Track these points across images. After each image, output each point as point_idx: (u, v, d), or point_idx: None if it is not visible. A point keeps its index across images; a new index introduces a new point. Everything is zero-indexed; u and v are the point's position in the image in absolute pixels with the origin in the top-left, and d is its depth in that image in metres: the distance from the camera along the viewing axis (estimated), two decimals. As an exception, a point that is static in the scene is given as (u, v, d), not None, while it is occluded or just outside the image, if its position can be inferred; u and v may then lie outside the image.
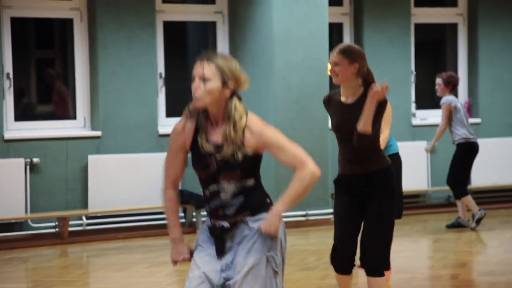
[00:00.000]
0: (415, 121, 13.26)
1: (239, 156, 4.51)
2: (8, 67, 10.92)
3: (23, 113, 11.54)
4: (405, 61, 13.13)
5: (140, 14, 11.38)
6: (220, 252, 4.53)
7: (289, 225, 11.42)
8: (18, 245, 10.60)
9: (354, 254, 6.19)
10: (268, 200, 4.64)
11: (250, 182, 4.60)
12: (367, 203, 6.15)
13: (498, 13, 13.65)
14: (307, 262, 9.22)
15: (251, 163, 4.57)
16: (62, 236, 10.78)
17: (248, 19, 11.79)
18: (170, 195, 4.68)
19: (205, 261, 4.52)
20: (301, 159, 4.54)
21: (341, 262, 6.24)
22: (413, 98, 13.27)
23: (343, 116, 6.18)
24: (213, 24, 12.14)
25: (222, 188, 4.56)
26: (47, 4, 11.33)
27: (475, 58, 13.61)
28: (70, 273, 9.23)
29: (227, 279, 4.47)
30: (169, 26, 11.91)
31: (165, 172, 4.69)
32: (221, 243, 4.55)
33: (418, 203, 13.26)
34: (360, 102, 6.12)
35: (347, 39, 12.93)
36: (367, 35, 12.83)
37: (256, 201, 4.61)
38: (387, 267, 6.29)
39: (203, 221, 11.45)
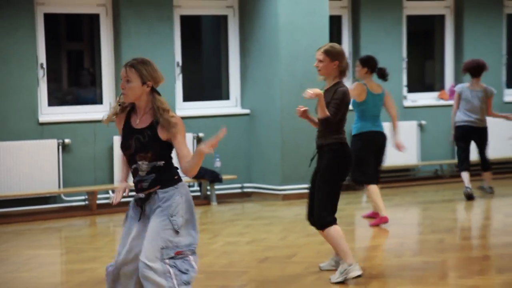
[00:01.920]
0: (407, 103, 13.27)
1: (152, 140, 5.02)
2: (42, 58, 10.95)
3: (59, 99, 11.59)
4: (398, 49, 13.13)
5: (159, 9, 11.40)
6: (140, 218, 5.08)
7: (293, 197, 11.49)
8: (52, 217, 10.67)
9: None
10: (176, 177, 5.10)
11: (161, 163, 5.06)
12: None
13: (482, 5, 13.63)
14: (309, 229, 9.22)
15: (163, 148, 5.06)
16: (91, 208, 10.86)
17: (256, 12, 11.80)
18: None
19: (124, 236, 5.13)
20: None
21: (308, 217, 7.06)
22: (405, 82, 13.28)
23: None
24: (224, 18, 12.15)
25: (140, 166, 5.07)
26: (76, 1, 11.35)
27: (460, 46, 13.59)
28: (98, 241, 9.33)
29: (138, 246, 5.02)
30: (185, 20, 11.93)
31: None
32: (141, 210, 5.09)
33: (409, 176, 13.30)
34: (330, 90, 6.86)
35: (346, 30, 12.93)
36: (363, 26, 12.83)
37: (166, 178, 5.07)
38: (331, 221, 6.80)
39: (217, 194, 11.53)
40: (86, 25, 12.44)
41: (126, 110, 5.17)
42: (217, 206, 11.32)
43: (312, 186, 6.97)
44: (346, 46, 12.89)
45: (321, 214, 6.79)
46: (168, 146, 5.05)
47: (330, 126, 6.81)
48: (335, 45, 7.03)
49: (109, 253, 8.62)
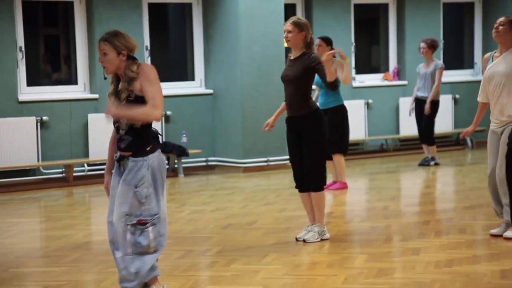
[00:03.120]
0: (355, 84, 13.30)
1: (131, 97, 4.88)
2: (21, 42, 10.81)
3: (36, 80, 11.47)
4: (347, 35, 13.14)
5: (129, -2, 11.34)
6: (120, 174, 5.00)
7: (254, 169, 11.51)
8: (32, 188, 10.58)
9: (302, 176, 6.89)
10: (149, 148, 4.98)
11: (137, 125, 4.92)
12: (303, 139, 6.83)
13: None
14: (268, 198, 9.29)
15: (138, 103, 4.87)
16: (68, 180, 10.78)
17: (218, 1, 11.72)
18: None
19: (113, 185, 5.07)
20: (156, 103, 4.85)
21: (295, 181, 6.97)
22: (353, 65, 13.31)
23: (288, 67, 6.92)
24: (189, 5, 12.04)
25: (120, 124, 4.96)
26: (52, -11, 11.26)
27: (402, 32, 13.64)
28: (74, 210, 9.26)
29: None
30: (153, 7, 11.81)
31: None
32: (121, 168, 5.02)
33: (357, 150, 13.37)
34: (299, 59, 6.83)
35: (300, 16, 12.89)
36: (315, 14, 12.81)
37: (139, 146, 4.95)
38: (323, 185, 6.95)
39: (184, 167, 11.50)
40: (61, 12, 12.28)
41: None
42: (184, 178, 11.30)
43: (295, 156, 6.90)
44: (300, 32, 12.85)
45: (317, 178, 6.86)
46: (143, 101, 4.87)
47: (306, 95, 6.79)
48: (301, 17, 7.05)
49: (85, 220, 8.59)
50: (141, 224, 4.89)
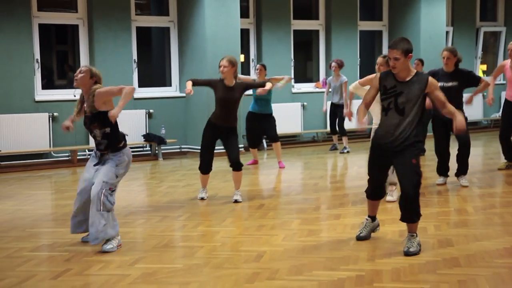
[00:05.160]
0: (294, 90, 13.35)
1: (94, 112, 5.18)
2: (37, 55, 10.66)
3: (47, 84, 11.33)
4: (288, 53, 13.16)
5: (121, 22, 11.18)
6: (98, 164, 5.36)
7: (216, 154, 11.42)
8: (45, 167, 10.45)
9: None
10: (121, 145, 5.32)
11: (107, 129, 5.21)
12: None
13: (273, 21, 13.75)
14: (227, 177, 9.28)
15: (102, 116, 5.16)
16: (73, 162, 10.66)
17: (190, 26, 11.67)
18: None
19: (88, 168, 5.41)
20: (119, 87, 5.13)
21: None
22: (293, 76, 13.34)
23: (225, 92, 7.21)
24: (168, 29, 11.98)
25: (95, 135, 5.29)
26: (62, 15, 11.07)
27: (329, 51, 13.66)
28: (77, 185, 9.14)
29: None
30: (140, 30, 11.71)
31: None
32: (99, 161, 5.37)
33: (295, 140, 13.44)
34: (234, 87, 7.20)
35: (252, 40, 12.90)
36: (264, 37, 12.78)
37: (114, 145, 5.30)
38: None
39: (163, 153, 11.42)
40: (69, 32, 12.15)
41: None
42: (162, 161, 11.23)
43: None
44: (252, 52, 12.85)
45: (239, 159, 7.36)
46: (104, 114, 5.17)
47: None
48: (233, 56, 7.37)
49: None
50: (112, 190, 5.27)
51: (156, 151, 11.42)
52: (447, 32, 14.64)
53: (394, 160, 5.11)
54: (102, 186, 5.21)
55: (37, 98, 10.66)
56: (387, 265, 4.82)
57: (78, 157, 10.73)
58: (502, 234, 5.70)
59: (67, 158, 10.82)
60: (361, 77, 13.31)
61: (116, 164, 5.28)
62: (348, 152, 11.69)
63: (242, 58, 12.52)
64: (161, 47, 12.58)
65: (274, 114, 10.10)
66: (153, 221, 6.45)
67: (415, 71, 5.10)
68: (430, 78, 5.10)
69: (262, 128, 9.96)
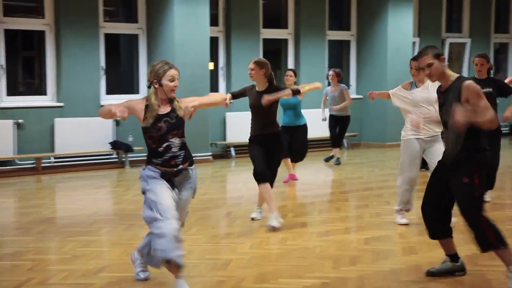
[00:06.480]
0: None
1: (181, 118, 4.49)
2: (2, 61, 10.51)
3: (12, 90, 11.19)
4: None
5: (89, 28, 11.05)
6: (171, 188, 4.40)
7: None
8: (9, 175, 10.28)
9: None
10: (192, 156, 4.56)
11: (184, 139, 4.50)
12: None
13: (245, 30, 13.83)
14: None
15: (183, 126, 4.52)
16: (38, 169, 10.52)
17: (159, 33, 11.64)
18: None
19: (166, 188, 4.38)
20: (207, 97, 4.91)
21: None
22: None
23: (256, 98, 6.43)
24: (136, 36, 11.93)
25: (172, 143, 4.43)
26: (29, 20, 10.95)
27: (298, 60, 13.72)
28: (42, 193, 9.03)
29: (176, 201, 4.41)
30: (108, 36, 11.64)
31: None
32: (171, 182, 4.42)
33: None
34: (265, 91, 6.42)
35: (221, 47, 12.88)
36: (233, 45, 12.69)
37: (190, 156, 4.52)
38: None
39: (130, 160, 11.34)
40: (36, 38, 12.04)
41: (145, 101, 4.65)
42: (129, 168, 11.15)
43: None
44: (221, 60, 12.84)
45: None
46: (184, 122, 4.48)
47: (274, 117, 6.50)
48: (262, 58, 6.68)
49: (50, 201, 8.38)
50: None
51: (123, 159, 11.34)
52: (413, 43, 14.84)
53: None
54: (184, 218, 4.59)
55: (2, 105, 10.50)
56: (352, 273, 4.87)
57: (42, 165, 10.60)
58: (462, 242, 5.81)
59: (32, 165, 10.69)
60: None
61: (195, 188, 4.55)
62: (339, 164, 11.33)
63: (211, 66, 12.51)
64: (130, 54, 12.51)
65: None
66: (119, 230, 6.41)
67: (457, 75, 4.47)
68: (467, 82, 4.31)
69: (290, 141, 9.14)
